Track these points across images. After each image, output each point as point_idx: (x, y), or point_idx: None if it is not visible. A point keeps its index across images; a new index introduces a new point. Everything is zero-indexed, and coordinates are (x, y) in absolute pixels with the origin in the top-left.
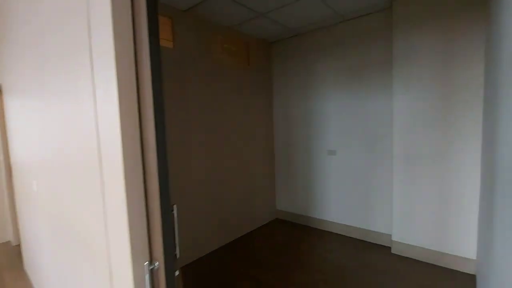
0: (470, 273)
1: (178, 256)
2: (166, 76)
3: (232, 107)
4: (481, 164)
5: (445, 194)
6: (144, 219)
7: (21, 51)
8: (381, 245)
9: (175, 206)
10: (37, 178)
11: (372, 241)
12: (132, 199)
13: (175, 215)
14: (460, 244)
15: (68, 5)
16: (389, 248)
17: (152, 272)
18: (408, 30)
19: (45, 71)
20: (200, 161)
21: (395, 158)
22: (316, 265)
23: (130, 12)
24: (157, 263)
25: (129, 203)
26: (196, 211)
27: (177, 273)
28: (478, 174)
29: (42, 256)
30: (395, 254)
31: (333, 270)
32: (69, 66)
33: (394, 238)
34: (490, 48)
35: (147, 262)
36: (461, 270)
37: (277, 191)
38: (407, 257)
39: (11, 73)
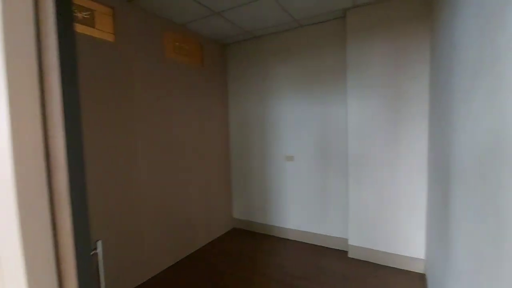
0: (420, 272)
1: None
2: (106, 74)
3: (184, 110)
4: (428, 167)
5: (396, 196)
6: (53, 267)
7: None
8: (338, 249)
9: (99, 243)
10: None
11: (330, 247)
12: (30, 241)
13: (100, 255)
14: (410, 244)
15: None
16: (346, 252)
17: None
18: (360, 39)
19: None
20: (147, 171)
21: (350, 163)
22: (274, 275)
23: None
24: None
25: (26, 249)
26: (144, 227)
27: None
28: (426, 177)
29: None
30: (352, 258)
31: (292, 279)
32: None
33: (350, 242)
34: (434, 56)
35: None
36: (412, 270)
37: (234, 199)
38: (363, 261)
39: None
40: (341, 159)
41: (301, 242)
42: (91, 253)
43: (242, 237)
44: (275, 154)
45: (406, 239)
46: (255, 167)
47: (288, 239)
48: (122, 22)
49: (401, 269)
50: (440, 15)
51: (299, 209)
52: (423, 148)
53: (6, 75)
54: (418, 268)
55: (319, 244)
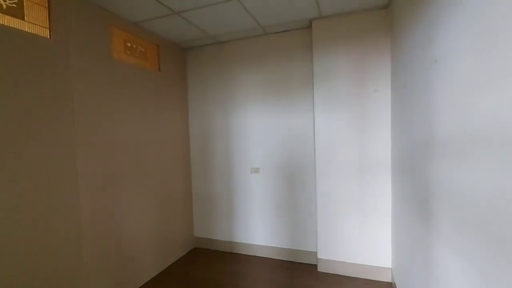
0: (388, 281)
1: None
2: (39, 76)
3: (137, 119)
4: (391, 179)
5: (363, 207)
6: None
7: None
8: (308, 264)
9: None
10: None
11: (299, 261)
12: None
13: None
14: (378, 254)
15: None
16: (316, 266)
17: None
18: (326, 50)
19: None
20: (88, 189)
21: (318, 174)
22: None
23: None
24: None
25: None
26: (79, 259)
27: None
28: (390, 187)
29: None
30: (321, 271)
31: None
32: None
33: (319, 256)
34: (393, 71)
35: None
36: (381, 280)
37: (195, 216)
38: (332, 273)
39: None
40: (308, 171)
41: (270, 259)
42: None
43: (205, 258)
44: (240, 166)
45: (373, 249)
46: (219, 180)
47: (256, 256)
48: (61, 16)
49: (369, 279)
50: (397, 32)
51: (266, 223)
52: (387, 164)
53: None
54: (386, 277)
55: (288, 260)
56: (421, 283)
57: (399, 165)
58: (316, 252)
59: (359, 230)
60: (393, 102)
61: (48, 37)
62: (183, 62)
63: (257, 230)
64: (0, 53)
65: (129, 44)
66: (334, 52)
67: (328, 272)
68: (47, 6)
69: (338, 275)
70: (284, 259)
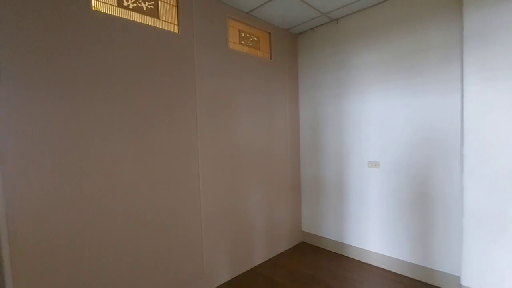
0: None
1: None
2: (169, 68)
3: (249, 108)
4: None
5: None
6: None
7: None
8: None
9: None
10: None
11: (430, 283)
12: None
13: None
14: None
15: None
16: None
17: None
18: (483, 4)
19: None
20: (207, 172)
21: (467, 175)
22: None
23: None
24: None
25: None
26: (203, 236)
27: None
28: None
29: None
30: None
31: None
32: None
33: (464, 283)
34: None
35: None
36: None
37: (304, 210)
38: None
39: None
40: (450, 168)
41: (388, 271)
42: None
43: (311, 255)
44: (355, 159)
45: None
46: (330, 174)
47: (369, 264)
48: (185, 12)
49: None
50: None
51: (385, 228)
52: None
53: None
54: None
55: (414, 277)
56: None
57: None
58: (459, 277)
59: None
60: None
61: (177, 32)
62: (294, 49)
63: (373, 234)
64: (144, 46)
65: (243, 34)
66: (496, 7)
67: None
68: (176, 5)
69: None
70: (408, 275)
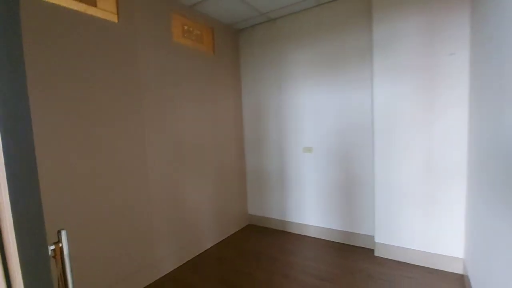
0: (459, 272)
1: None
2: (108, 57)
3: (193, 100)
4: (468, 159)
5: (430, 190)
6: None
7: None
8: (364, 247)
9: (64, 233)
10: None
11: (354, 244)
12: None
13: (66, 249)
14: (446, 242)
15: None
16: (372, 250)
17: None
18: (389, 14)
19: None
20: (155, 163)
21: (376, 156)
22: (297, 276)
23: None
24: None
25: None
26: (154, 224)
27: None
28: (465, 169)
29: None
30: (378, 256)
31: (316, 280)
32: None
33: (377, 240)
34: (478, 30)
35: None
36: (449, 271)
37: (249, 194)
38: (391, 260)
39: None
40: (366, 149)
41: (322, 240)
42: (50, 248)
43: (258, 234)
44: (292, 146)
45: (441, 237)
46: (271, 160)
47: (308, 236)
48: (126, 1)
49: (435, 269)
50: None
51: (319, 204)
52: (461, 138)
53: None
54: (457, 269)
55: (342, 242)
56: (505, 278)
57: (485, 148)
58: (373, 236)
59: (425, 216)
60: (475, 72)
61: (116, 21)
62: (236, 44)
63: (310, 210)
64: (78, 36)
65: (186, 27)
66: (397, 16)
67: (386, 257)
68: None
69: (398, 261)
70: (337, 241)
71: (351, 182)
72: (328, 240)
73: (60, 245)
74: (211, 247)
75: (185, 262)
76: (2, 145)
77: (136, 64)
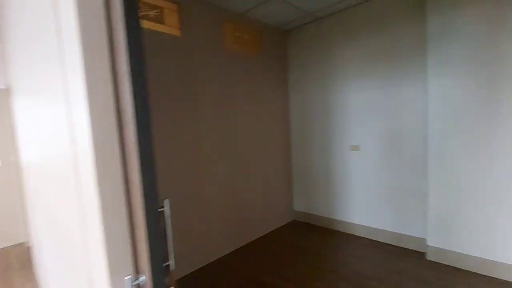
0: None
1: (172, 267)
2: (173, 67)
3: (245, 101)
4: None
5: (491, 194)
6: (125, 220)
7: (20, 49)
8: (413, 250)
9: (166, 201)
10: (33, 178)
11: (403, 246)
12: (106, 195)
13: (167, 213)
14: (509, 250)
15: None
16: (423, 253)
17: None
18: (444, 4)
19: (30, 69)
20: (210, 158)
21: (430, 155)
22: (342, 272)
23: None
24: (143, 277)
25: (102, 199)
26: (204, 212)
27: None
28: None
29: (43, 257)
30: (431, 260)
31: (361, 278)
32: (42, 61)
33: (429, 243)
34: None
35: (129, 276)
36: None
37: (295, 191)
38: (445, 265)
39: (16, 72)
40: (418, 148)
41: (369, 239)
42: (158, 210)
43: (303, 230)
44: (339, 144)
45: (504, 243)
46: (317, 157)
47: (354, 235)
48: (186, 16)
49: (496, 278)
50: None
51: (367, 203)
52: None
53: (84, 75)
54: None
55: (389, 243)
56: None
57: None
58: (425, 239)
59: (489, 220)
60: None
61: (179, 35)
62: (283, 45)
63: (357, 209)
64: (153, 49)
65: (237, 34)
66: (457, 7)
67: (439, 261)
68: (177, 11)
69: (453, 267)
70: (385, 241)
71: (401, 182)
72: (375, 240)
73: (164, 208)
74: (258, 238)
75: (233, 250)
76: (135, 138)
77: (195, 68)
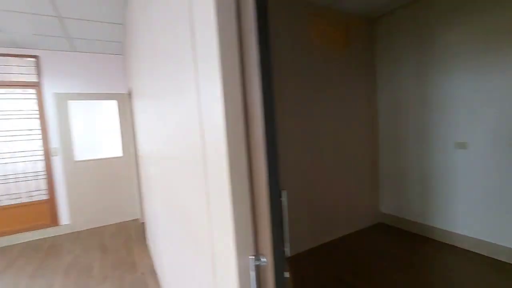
0: None
1: (288, 254)
2: None
3: (329, 97)
4: None
5: None
6: (248, 204)
7: (142, 59)
8: None
9: (284, 192)
10: (153, 164)
11: None
12: (235, 181)
13: (285, 203)
14: None
15: (171, 6)
16: None
17: (259, 270)
18: None
19: (156, 73)
20: (295, 153)
21: None
22: (431, 283)
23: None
24: (264, 259)
25: (232, 187)
26: (290, 207)
27: (286, 274)
28: None
29: (158, 234)
30: None
31: None
32: (174, 64)
33: None
34: None
35: (252, 257)
36: None
37: (382, 191)
38: None
39: (137, 78)
40: None
41: (480, 255)
42: (279, 198)
43: (391, 235)
44: (439, 141)
45: None
46: (411, 155)
47: (457, 247)
48: (271, 11)
49: None
50: None
51: (477, 210)
52: None
53: (221, 76)
54: None
55: (504, 260)
56: None
57: None
58: None
59: None
60: None
61: None
62: (370, 35)
63: (460, 217)
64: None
65: (321, 27)
66: None
67: None
68: None
69: None
70: (497, 258)
71: None
72: (488, 257)
73: (282, 199)
74: (340, 237)
75: (315, 246)
76: (263, 132)
77: (277, 65)
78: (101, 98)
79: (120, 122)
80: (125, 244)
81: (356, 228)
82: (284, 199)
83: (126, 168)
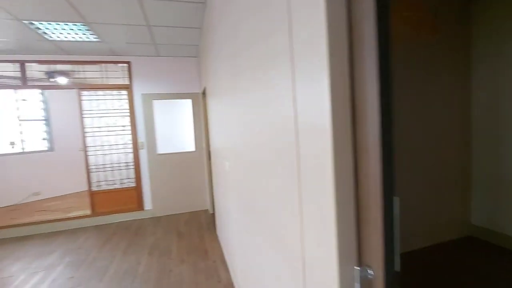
0: None
1: (398, 268)
2: None
3: (413, 91)
4: None
5: None
6: (353, 210)
7: (219, 62)
8: None
9: (396, 199)
10: (229, 160)
11: None
12: (340, 185)
13: (397, 211)
14: None
15: None
16: None
17: (364, 283)
18: None
19: (238, 76)
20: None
21: None
22: None
23: None
24: (370, 272)
25: (337, 187)
26: None
27: None
28: None
29: (229, 228)
30: None
31: None
32: (264, 61)
33: None
34: None
35: (358, 267)
36: None
37: (474, 201)
38: None
39: (213, 78)
40: None
41: None
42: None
43: (486, 252)
44: None
45: None
46: None
47: None
48: None
49: None
50: None
51: None
52: None
53: (329, 76)
54: None
55: None
56: None
57: None
58: None
59: None
60: None
61: None
62: (466, 19)
63: None
64: None
65: (405, 13)
66: None
67: None
68: None
69: None
70: None
71: None
72: None
73: (394, 205)
74: (417, 249)
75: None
76: (379, 132)
77: None
78: (178, 97)
79: (194, 119)
80: (197, 231)
81: (437, 240)
82: (396, 207)
83: (198, 162)
